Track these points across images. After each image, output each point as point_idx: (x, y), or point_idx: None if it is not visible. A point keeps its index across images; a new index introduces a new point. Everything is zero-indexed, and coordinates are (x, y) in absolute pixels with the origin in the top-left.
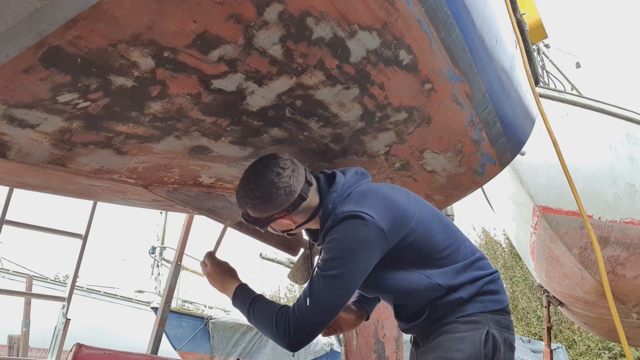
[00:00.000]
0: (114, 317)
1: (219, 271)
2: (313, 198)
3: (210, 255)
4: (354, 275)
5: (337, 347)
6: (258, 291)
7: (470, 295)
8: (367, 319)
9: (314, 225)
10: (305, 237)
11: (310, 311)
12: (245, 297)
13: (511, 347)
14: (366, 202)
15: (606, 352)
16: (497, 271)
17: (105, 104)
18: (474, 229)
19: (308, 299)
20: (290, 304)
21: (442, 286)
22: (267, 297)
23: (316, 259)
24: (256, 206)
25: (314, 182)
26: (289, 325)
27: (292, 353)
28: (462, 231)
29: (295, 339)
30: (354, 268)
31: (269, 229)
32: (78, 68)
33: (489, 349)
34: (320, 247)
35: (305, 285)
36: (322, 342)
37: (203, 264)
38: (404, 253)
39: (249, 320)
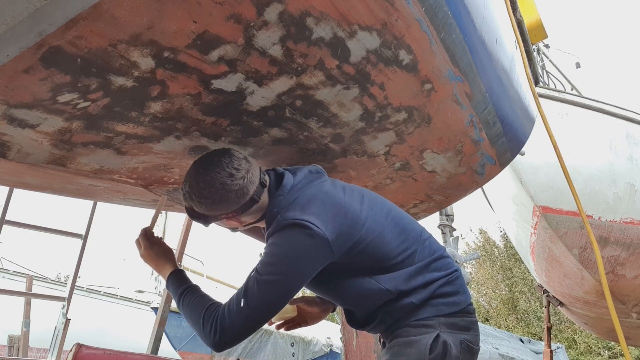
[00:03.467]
0: (114, 317)
1: (154, 254)
2: (265, 199)
3: (145, 234)
4: (290, 283)
5: (336, 349)
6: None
7: (422, 300)
8: (334, 311)
9: (263, 224)
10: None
11: (240, 314)
12: (178, 285)
13: (469, 349)
14: (312, 209)
15: (606, 351)
16: (456, 270)
17: (105, 104)
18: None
19: (242, 300)
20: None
21: (392, 291)
22: None
23: None
24: (203, 205)
25: (267, 182)
26: (216, 325)
27: (291, 352)
28: (424, 228)
29: (220, 340)
30: (291, 276)
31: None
32: (78, 68)
33: (437, 354)
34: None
35: (240, 285)
36: (322, 342)
37: (137, 243)
38: (353, 261)
39: (179, 309)
